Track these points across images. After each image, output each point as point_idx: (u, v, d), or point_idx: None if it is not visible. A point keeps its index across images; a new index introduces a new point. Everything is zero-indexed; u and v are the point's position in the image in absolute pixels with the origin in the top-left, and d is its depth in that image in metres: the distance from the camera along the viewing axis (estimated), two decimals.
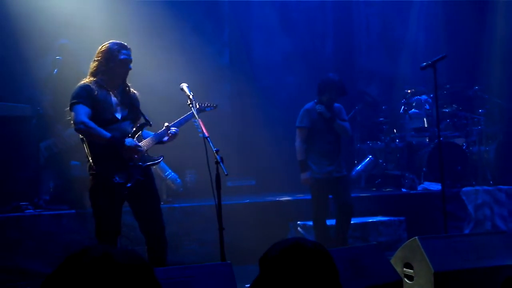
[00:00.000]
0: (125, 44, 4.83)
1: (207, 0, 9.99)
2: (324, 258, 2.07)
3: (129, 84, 4.91)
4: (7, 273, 6.30)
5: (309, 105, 6.75)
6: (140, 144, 4.71)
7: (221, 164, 4.30)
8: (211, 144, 4.40)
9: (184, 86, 4.86)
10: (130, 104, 4.86)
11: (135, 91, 4.99)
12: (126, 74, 4.82)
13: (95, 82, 4.71)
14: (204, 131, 4.50)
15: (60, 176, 7.41)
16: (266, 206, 7.84)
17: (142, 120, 4.95)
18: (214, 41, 10.04)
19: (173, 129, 4.90)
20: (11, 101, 7.34)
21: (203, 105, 5.22)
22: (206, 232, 6.89)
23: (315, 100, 6.71)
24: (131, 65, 4.81)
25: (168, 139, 4.92)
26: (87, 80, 4.74)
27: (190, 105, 4.76)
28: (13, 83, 7.78)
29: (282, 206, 7.90)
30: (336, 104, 6.75)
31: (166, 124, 4.90)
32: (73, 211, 6.83)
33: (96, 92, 4.64)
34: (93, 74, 4.76)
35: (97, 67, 4.76)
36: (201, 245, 7.03)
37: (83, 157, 7.35)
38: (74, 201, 6.95)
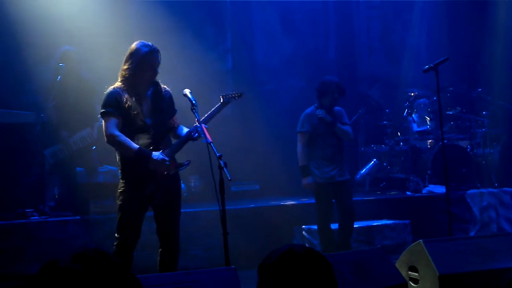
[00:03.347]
0: (152, 46, 4.79)
1: (209, 4, 10.01)
2: (320, 263, 2.10)
3: (159, 82, 4.89)
4: (13, 280, 6.31)
5: (309, 109, 6.76)
6: (166, 153, 4.73)
7: (225, 169, 4.31)
8: (214, 149, 4.41)
9: (187, 92, 4.86)
10: (161, 106, 4.86)
11: (167, 87, 4.99)
12: (154, 77, 4.82)
13: (125, 86, 4.73)
14: (208, 136, 4.51)
15: (65, 182, 7.42)
16: (271, 210, 7.83)
17: (176, 121, 5.00)
18: (216, 46, 10.07)
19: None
20: (14, 108, 7.37)
21: (227, 97, 5.06)
22: (210, 237, 6.89)
23: (315, 105, 6.72)
24: (158, 68, 4.80)
25: (197, 136, 4.82)
26: (116, 84, 4.77)
27: (194, 111, 4.76)
28: (16, 90, 7.82)
29: (287, 210, 7.89)
30: (337, 108, 6.75)
31: (196, 119, 4.82)
32: (78, 217, 6.84)
33: (125, 99, 4.67)
34: (122, 77, 4.77)
35: (126, 70, 4.75)
36: (206, 250, 7.02)
37: (88, 164, 7.45)
38: (79, 208, 6.97)
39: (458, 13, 11.23)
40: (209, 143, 4.47)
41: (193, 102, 4.78)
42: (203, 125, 4.63)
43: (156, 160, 4.64)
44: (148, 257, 5.14)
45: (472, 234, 8.18)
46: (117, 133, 4.65)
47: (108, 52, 7.46)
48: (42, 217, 6.89)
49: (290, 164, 8.71)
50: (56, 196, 7.42)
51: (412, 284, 4.70)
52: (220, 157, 4.35)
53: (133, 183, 4.69)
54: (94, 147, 7.38)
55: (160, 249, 4.85)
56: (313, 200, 6.84)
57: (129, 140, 4.64)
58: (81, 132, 7.22)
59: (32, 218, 6.81)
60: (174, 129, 4.98)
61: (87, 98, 7.11)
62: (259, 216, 7.56)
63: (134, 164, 4.66)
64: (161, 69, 4.86)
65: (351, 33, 11.38)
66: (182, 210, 7.20)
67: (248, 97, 9.79)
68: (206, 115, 4.89)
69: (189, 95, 4.83)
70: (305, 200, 8.06)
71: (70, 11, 8.11)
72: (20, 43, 7.78)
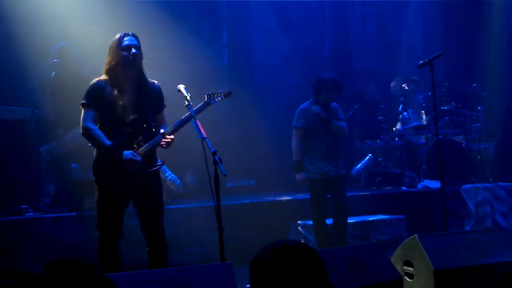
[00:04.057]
0: (129, 32, 4.79)
1: (205, 1, 10.00)
2: (312, 258, 2.10)
3: (146, 77, 4.83)
4: (8, 277, 6.29)
5: (304, 104, 6.74)
6: (138, 151, 4.69)
7: (220, 164, 4.30)
8: (209, 145, 4.40)
9: (182, 87, 4.83)
10: (145, 103, 4.80)
11: (155, 81, 4.93)
12: (133, 62, 4.71)
13: (109, 79, 4.71)
14: (202, 132, 4.49)
15: (60, 179, 7.41)
16: (266, 206, 7.84)
17: (161, 118, 4.96)
18: (212, 43, 10.05)
19: (163, 142, 4.75)
20: (9, 105, 7.35)
21: (211, 97, 4.87)
22: (206, 233, 6.88)
23: (311, 100, 6.69)
24: (136, 50, 4.70)
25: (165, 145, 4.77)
26: (101, 77, 4.76)
27: (188, 107, 4.74)
28: (12, 86, 7.78)
29: (282, 206, 7.90)
30: (333, 104, 6.73)
31: (162, 131, 4.78)
32: (74, 213, 6.83)
33: (106, 92, 4.66)
34: (106, 71, 4.76)
35: (108, 62, 4.76)
36: (202, 246, 7.03)
37: (83, 160, 7.43)
38: (75, 204, 6.96)
39: (452, 9, 11.25)
40: (204, 139, 4.46)
41: (188, 98, 4.75)
42: (198, 121, 4.61)
43: (125, 160, 4.60)
44: (144, 253, 5.13)
45: (467, 228, 8.21)
46: (92, 126, 4.64)
47: (103, 50, 7.43)
48: (38, 213, 6.87)
49: (286, 160, 8.70)
50: (52, 193, 7.40)
51: (407, 279, 4.71)
52: (215, 153, 4.35)
53: (102, 182, 4.69)
54: (90, 144, 7.36)
55: (147, 248, 4.83)
56: (308, 196, 6.85)
57: (103, 135, 4.62)
58: (77, 129, 7.20)
59: (28, 214, 6.80)
60: (157, 127, 4.88)
61: (82, 95, 7.08)
62: (254, 212, 7.56)
63: (104, 163, 4.65)
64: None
65: (346, 30, 11.39)
66: (177, 206, 7.28)
67: (244, 94, 9.85)
68: (186, 115, 4.77)
69: (183, 90, 4.79)
70: (300, 196, 8.07)
71: (66, 8, 8.08)
72: (16, 40, 7.75)
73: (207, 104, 4.86)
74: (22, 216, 6.73)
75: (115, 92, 4.68)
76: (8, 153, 7.14)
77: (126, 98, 4.72)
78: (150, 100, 4.86)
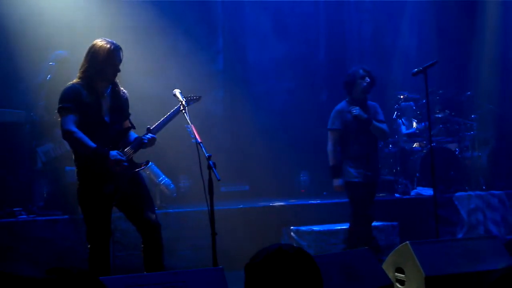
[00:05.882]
0: (116, 43, 4.74)
1: (201, 5, 10.03)
2: (307, 262, 2.12)
3: (117, 82, 4.84)
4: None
5: (340, 105, 6.38)
6: (124, 151, 4.69)
7: (214, 169, 4.32)
8: (203, 150, 4.42)
9: (177, 92, 4.87)
10: (119, 106, 4.82)
11: (125, 90, 4.95)
12: (115, 75, 4.74)
13: (85, 82, 4.64)
14: (197, 136, 4.51)
15: (54, 181, 7.40)
16: (260, 211, 7.84)
17: (128, 123, 4.94)
18: (207, 47, 10.08)
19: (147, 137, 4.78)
20: (4, 107, 7.34)
21: (185, 99, 4.92)
22: (199, 237, 6.89)
23: (347, 99, 6.34)
24: (120, 66, 4.72)
25: (146, 144, 4.80)
26: (75, 80, 4.69)
27: (183, 111, 4.76)
28: (7, 89, 7.78)
29: (276, 211, 7.90)
30: (371, 102, 6.39)
31: (148, 126, 4.82)
32: (67, 216, 6.81)
33: (84, 95, 4.59)
34: (82, 74, 4.68)
35: (87, 67, 4.68)
36: (195, 250, 7.03)
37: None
38: (68, 207, 6.94)
39: (447, 17, 11.30)
40: (199, 143, 4.48)
41: (183, 102, 4.79)
42: (192, 125, 4.64)
43: (113, 160, 4.56)
44: (137, 257, 5.14)
45: (459, 236, 8.23)
46: (75, 129, 4.53)
47: None
48: (31, 216, 6.85)
49: (280, 165, 8.75)
50: (45, 196, 7.39)
51: (399, 286, 4.73)
52: (209, 158, 4.36)
53: (90, 183, 4.60)
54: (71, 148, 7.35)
55: (143, 246, 4.80)
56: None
57: (87, 137, 4.53)
58: None
59: (20, 217, 6.77)
60: (127, 132, 4.90)
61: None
62: (248, 217, 7.56)
63: (91, 163, 4.56)
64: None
65: (342, 36, 11.42)
66: (171, 211, 7.29)
67: (239, 98, 9.88)
68: (162, 119, 4.86)
69: (178, 95, 4.84)
70: (294, 201, 8.08)
71: (62, 12, 8.08)
72: (12, 42, 7.76)
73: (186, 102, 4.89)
74: (14, 219, 6.71)
75: (93, 96, 4.65)
76: (1, 155, 7.13)
77: (103, 102, 4.72)
78: (123, 106, 4.89)
